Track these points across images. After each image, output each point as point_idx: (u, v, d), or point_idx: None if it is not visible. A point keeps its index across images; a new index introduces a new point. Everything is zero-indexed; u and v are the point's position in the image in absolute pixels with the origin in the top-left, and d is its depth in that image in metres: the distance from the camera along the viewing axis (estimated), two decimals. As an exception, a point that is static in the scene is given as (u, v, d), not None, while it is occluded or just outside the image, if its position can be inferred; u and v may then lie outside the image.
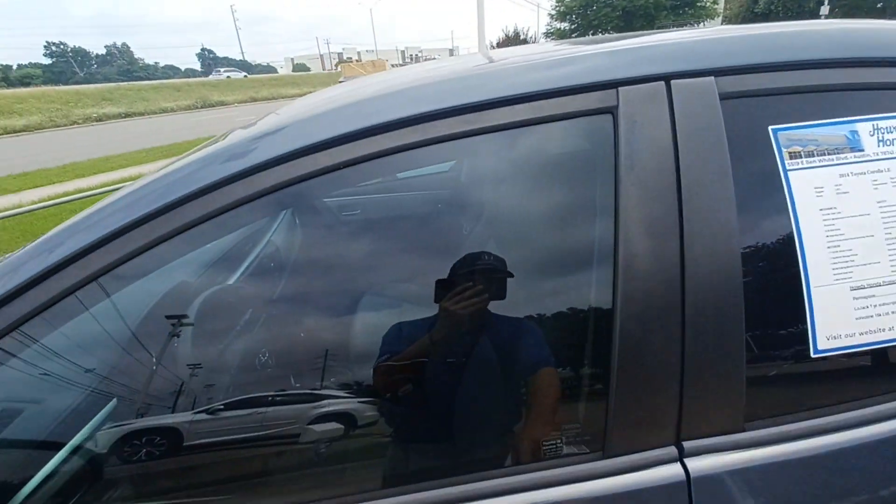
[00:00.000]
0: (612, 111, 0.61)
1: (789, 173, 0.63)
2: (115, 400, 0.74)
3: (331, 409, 0.71)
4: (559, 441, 0.62)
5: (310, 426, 0.72)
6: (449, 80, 0.65)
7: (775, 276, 0.63)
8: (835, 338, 0.62)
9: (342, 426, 0.71)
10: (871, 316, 0.63)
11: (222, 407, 0.72)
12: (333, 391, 0.72)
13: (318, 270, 0.85)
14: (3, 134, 17.09)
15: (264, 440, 0.74)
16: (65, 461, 0.70)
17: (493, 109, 0.60)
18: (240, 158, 0.61)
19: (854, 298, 0.62)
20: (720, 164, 0.60)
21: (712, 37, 0.66)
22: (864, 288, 0.62)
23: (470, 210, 0.81)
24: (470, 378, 0.70)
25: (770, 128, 0.63)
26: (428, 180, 1.29)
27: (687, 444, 0.60)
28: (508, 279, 0.67)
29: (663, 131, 0.60)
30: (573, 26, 25.99)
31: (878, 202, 0.63)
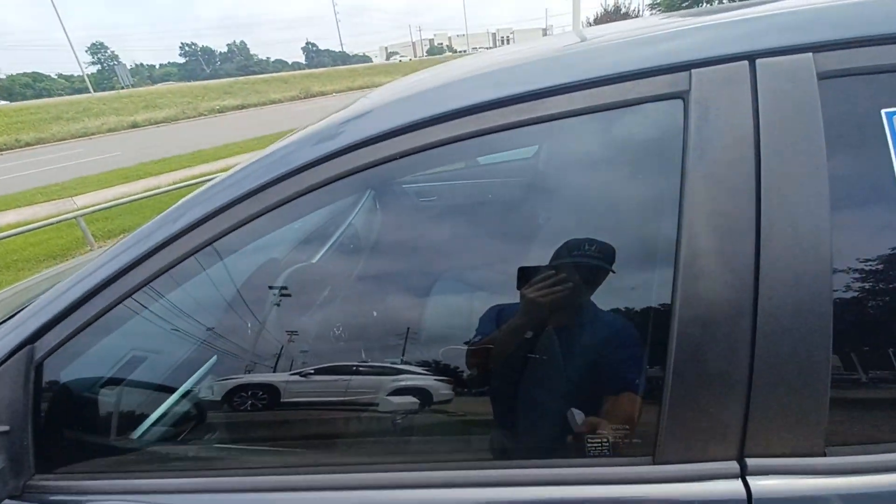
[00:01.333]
0: (682, 96, 0.57)
1: (906, 165, 0.53)
2: (215, 356, 0.86)
3: (407, 384, 0.76)
4: (604, 440, 0.61)
5: (388, 397, 0.77)
6: (503, 69, 0.64)
7: (878, 285, 0.54)
8: (956, 361, 0.53)
9: (416, 400, 0.75)
10: None
11: (312, 371, 0.80)
12: (410, 367, 0.76)
13: (400, 253, 0.90)
14: (149, 125, 20.13)
15: (345, 405, 0.80)
16: (175, 403, 0.84)
17: (552, 97, 0.58)
18: (329, 140, 0.65)
19: None
20: (813, 157, 0.53)
21: (813, 5, 0.57)
22: None
23: (529, 199, 0.80)
24: (535, 368, 0.70)
25: (883, 111, 0.54)
26: (490, 169, 1.28)
27: (751, 462, 0.55)
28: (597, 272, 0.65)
29: (742, 118, 0.54)
30: (685, -6, 23.37)
31: None
